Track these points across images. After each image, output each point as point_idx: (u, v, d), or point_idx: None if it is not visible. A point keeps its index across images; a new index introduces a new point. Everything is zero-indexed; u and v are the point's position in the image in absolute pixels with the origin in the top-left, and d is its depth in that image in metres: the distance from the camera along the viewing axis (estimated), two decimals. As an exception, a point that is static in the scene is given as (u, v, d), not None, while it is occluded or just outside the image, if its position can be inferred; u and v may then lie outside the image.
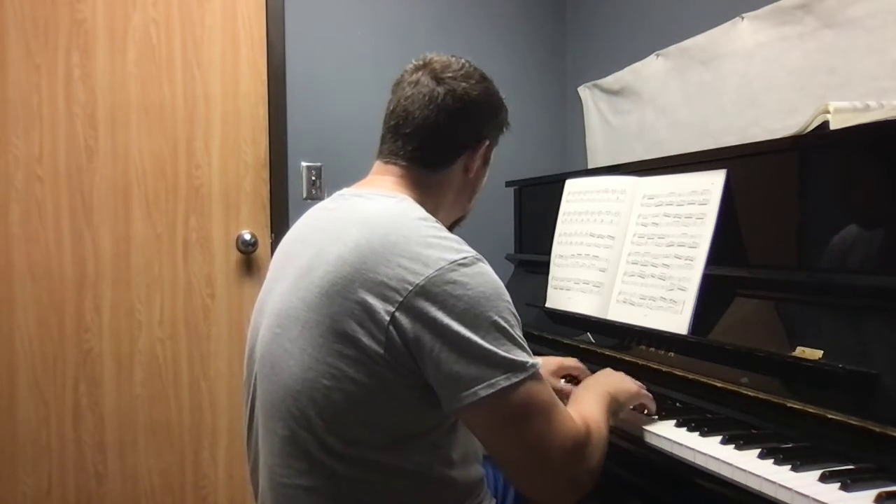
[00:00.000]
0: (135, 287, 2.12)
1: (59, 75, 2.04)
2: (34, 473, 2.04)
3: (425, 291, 0.88)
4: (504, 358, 0.87)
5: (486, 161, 1.14)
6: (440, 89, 1.05)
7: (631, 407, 1.17)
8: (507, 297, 0.93)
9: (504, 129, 1.18)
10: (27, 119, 2.02)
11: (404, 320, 0.88)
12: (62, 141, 2.05)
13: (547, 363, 1.38)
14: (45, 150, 2.04)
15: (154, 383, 2.15)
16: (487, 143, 1.11)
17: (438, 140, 1.06)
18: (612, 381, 1.14)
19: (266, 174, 2.27)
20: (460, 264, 0.90)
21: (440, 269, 0.89)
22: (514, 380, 0.87)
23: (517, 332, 0.91)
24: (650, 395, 1.18)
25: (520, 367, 0.88)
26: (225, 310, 2.22)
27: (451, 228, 1.16)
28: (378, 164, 1.10)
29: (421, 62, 1.09)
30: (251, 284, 2.24)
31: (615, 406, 1.09)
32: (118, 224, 2.11)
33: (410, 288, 0.88)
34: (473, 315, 0.88)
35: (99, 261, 2.09)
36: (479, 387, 0.86)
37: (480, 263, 0.93)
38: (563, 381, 1.39)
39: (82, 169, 2.07)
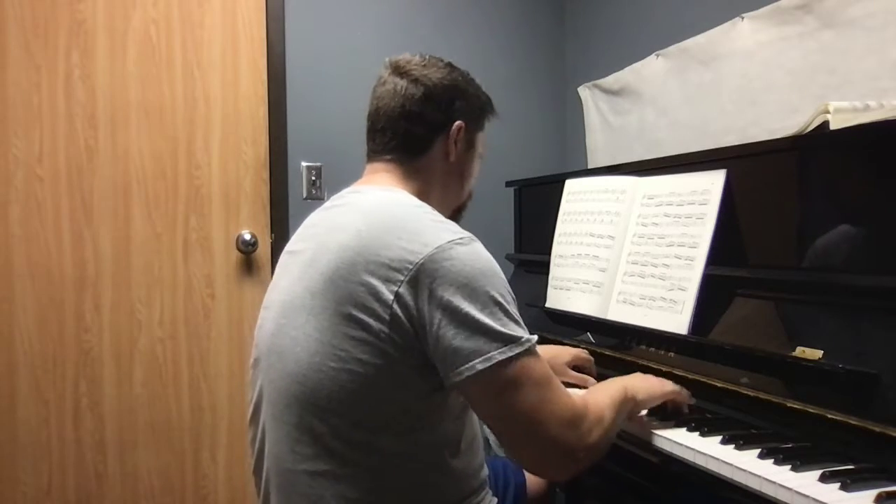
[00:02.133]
0: (135, 287, 2.12)
1: (59, 75, 2.04)
2: (34, 473, 2.04)
3: (425, 268, 0.91)
4: (500, 332, 0.90)
5: (469, 145, 1.16)
6: (402, 81, 1.11)
7: (658, 401, 1.16)
8: (502, 275, 0.97)
9: (486, 114, 1.20)
10: (27, 119, 2.02)
11: (407, 297, 0.91)
12: (62, 141, 2.05)
13: (562, 354, 1.43)
14: (45, 150, 2.04)
15: (154, 383, 2.15)
16: (461, 124, 1.12)
17: (408, 126, 1.11)
18: (632, 380, 1.14)
19: (266, 174, 2.27)
20: (457, 243, 0.94)
21: (438, 247, 0.92)
22: (510, 353, 0.90)
23: (513, 309, 0.94)
24: (678, 388, 1.17)
25: (515, 340, 0.91)
26: (225, 310, 2.22)
27: (454, 219, 1.20)
28: (367, 166, 1.16)
29: (388, 66, 1.14)
30: (251, 284, 2.24)
31: (633, 403, 1.09)
32: (118, 224, 2.11)
33: (411, 267, 0.92)
34: (471, 290, 0.91)
35: (99, 261, 2.09)
36: (477, 360, 0.89)
37: (476, 243, 0.97)
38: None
39: (82, 169, 2.07)
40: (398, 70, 1.12)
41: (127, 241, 2.12)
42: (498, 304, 0.92)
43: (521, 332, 0.92)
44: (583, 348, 1.55)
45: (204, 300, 2.20)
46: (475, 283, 0.91)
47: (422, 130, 1.11)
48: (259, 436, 1.07)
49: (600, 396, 1.02)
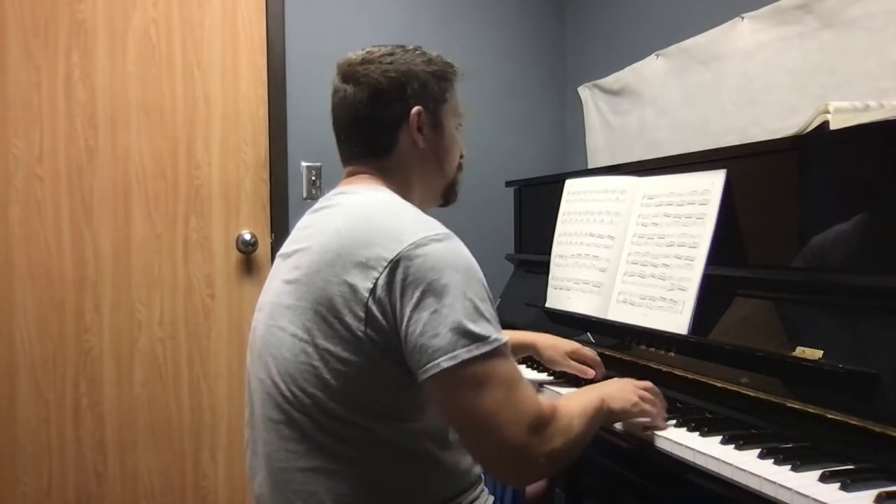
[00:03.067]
0: (135, 287, 2.12)
1: (59, 75, 2.04)
2: (34, 473, 2.04)
3: (399, 264, 0.91)
4: (467, 330, 0.89)
5: (437, 124, 1.11)
6: (349, 87, 1.09)
7: (632, 416, 1.13)
8: (479, 273, 0.95)
9: (446, 84, 1.13)
10: (27, 119, 2.02)
11: (382, 294, 0.91)
12: (62, 141, 2.05)
13: (561, 344, 1.42)
14: (45, 150, 2.04)
15: (154, 383, 2.15)
16: (419, 109, 1.08)
17: (367, 130, 1.09)
18: (609, 389, 1.12)
19: (266, 174, 2.27)
20: (433, 239, 0.93)
21: (413, 242, 0.92)
22: (477, 352, 0.88)
23: (485, 307, 0.92)
24: (651, 409, 1.13)
25: (483, 339, 0.89)
26: (225, 310, 2.22)
27: (447, 198, 1.20)
28: (346, 170, 1.16)
29: (336, 71, 1.11)
30: (251, 284, 2.24)
31: (608, 413, 1.07)
32: (118, 224, 2.11)
33: (386, 263, 0.91)
34: (442, 285, 0.90)
35: (99, 261, 2.09)
36: (442, 358, 0.88)
37: (453, 239, 0.96)
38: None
39: (82, 169, 2.07)
40: (344, 76, 1.09)
41: (127, 241, 2.12)
42: (469, 300, 0.90)
43: (491, 330, 0.91)
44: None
45: (204, 300, 2.20)
46: (446, 278, 0.90)
47: (380, 131, 1.09)
48: (253, 436, 1.08)
49: (573, 404, 1.01)
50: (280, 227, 2.24)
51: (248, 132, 2.24)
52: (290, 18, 2.27)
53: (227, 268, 2.23)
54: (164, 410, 2.16)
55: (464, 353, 0.88)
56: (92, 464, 2.09)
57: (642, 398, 1.13)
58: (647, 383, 1.18)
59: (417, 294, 0.90)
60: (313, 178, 2.31)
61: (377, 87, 1.07)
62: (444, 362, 0.88)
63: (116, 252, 2.11)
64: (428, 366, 0.89)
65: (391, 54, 1.09)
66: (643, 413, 1.12)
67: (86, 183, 2.08)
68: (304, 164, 2.30)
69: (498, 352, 0.91)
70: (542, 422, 0.92)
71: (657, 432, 1.10)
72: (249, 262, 2.25)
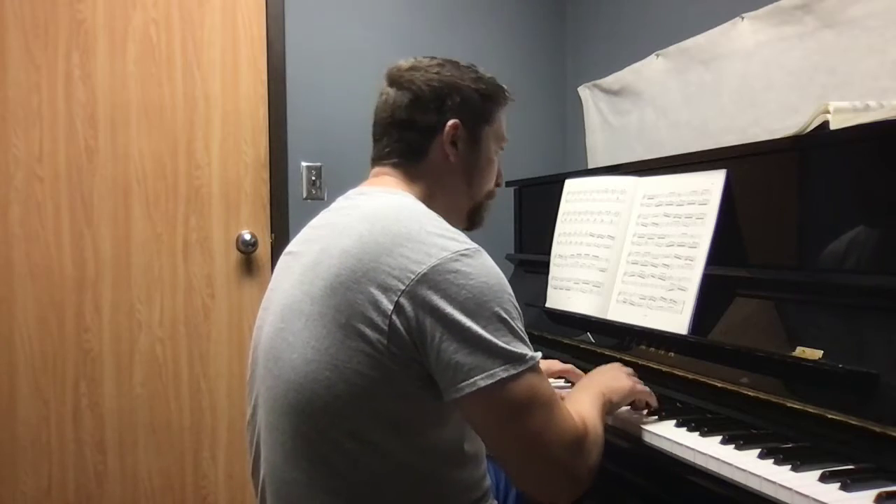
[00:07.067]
0: (135, 287, 2.13)
1: (59, 75, 2.04)
2: (34, 473, 2.04)
3: (428, 280, 0.88)
4: (504, 349, 0.88)
5: (474, 142, 1.12)
6: (392, 90, 1.10)
7: (627, 404, 1.16)
8: (509, 289, 0.94)
9: (491, 105, 1.15)
10: (27, 119, 2.02)
11: (407, 309, 0.88)
12: (62, 141, 2.05)
13: None
14: (45, 150, 2.04)
15: (154, 383, 2.15)
16: (455, 123, 1.08)
17: (402, 132, 1.09)
18: (606, 381, 1.13)
19: (266, 174, 2.27)
20: (462, 254, 0.91)
21: (442, 258, 0.89)
22: (513, 371, 0.87)
23: (518, 325, 0.92)
24: (647, 389, 1.17)
25: (519, 358, 0.88)
26: (225, 310, 2.22)
27: (472, 221, 1.18)
28: (372, 171, 1.14)
29: (385, 76, 1.13)
30: (251, 284, 2.24)
31: (609, 406, 1.09)
32: (118, 224, 2.11)
33: (413, 277, 0.89)
34: (475, 304, 0.88)
35: (99, 261, 2.09)
36: (479, 377, 0.86)
37: (483, 255, 0.94)
38: (561, 380, 1.39)
39: (82, 169, 2.07)
40: (390, 79, 1.11)
41: (127, 241, 2.12)
42: (503, 320, 0.89)
43: (525, 349, 0.90)
44: (583, 348, 1.55)
45: (204, 300, 2.20)
46: (479, 298, 0.89)
47: (414, 136, 1.08)
48: (255, 439, 1.06)
49: (591, 411, 1.00)
50: (280, 227, 2.24)
51: (248, 132, 2.24)
52: (290, 18, 2.27)
53: (227, 268, 2.23)
54: (164, 410, 2.16)
55: (501, 372, 0.87)
56: (92, 464, 2.09)
57: (633, 387, 1.15)
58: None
59: (448, 313, 0.87)
60: (313, 178, 2.31)
61: (417, 92, 1.08)
62: (481, 381, 0.86)
63: (116, 252, 2.11)
64: (462, 384, 0.87)
65: (440, 65, 1.10)
66: (639, 396, 1.15)
67: (86, 183, 2.08)
68: (304, 164, 2.30)
69: (534, 370, 0.90)
70: (581, 438, 0.92)
71: (657, 432, 1.10)
72: (249, 262, 2.25)
